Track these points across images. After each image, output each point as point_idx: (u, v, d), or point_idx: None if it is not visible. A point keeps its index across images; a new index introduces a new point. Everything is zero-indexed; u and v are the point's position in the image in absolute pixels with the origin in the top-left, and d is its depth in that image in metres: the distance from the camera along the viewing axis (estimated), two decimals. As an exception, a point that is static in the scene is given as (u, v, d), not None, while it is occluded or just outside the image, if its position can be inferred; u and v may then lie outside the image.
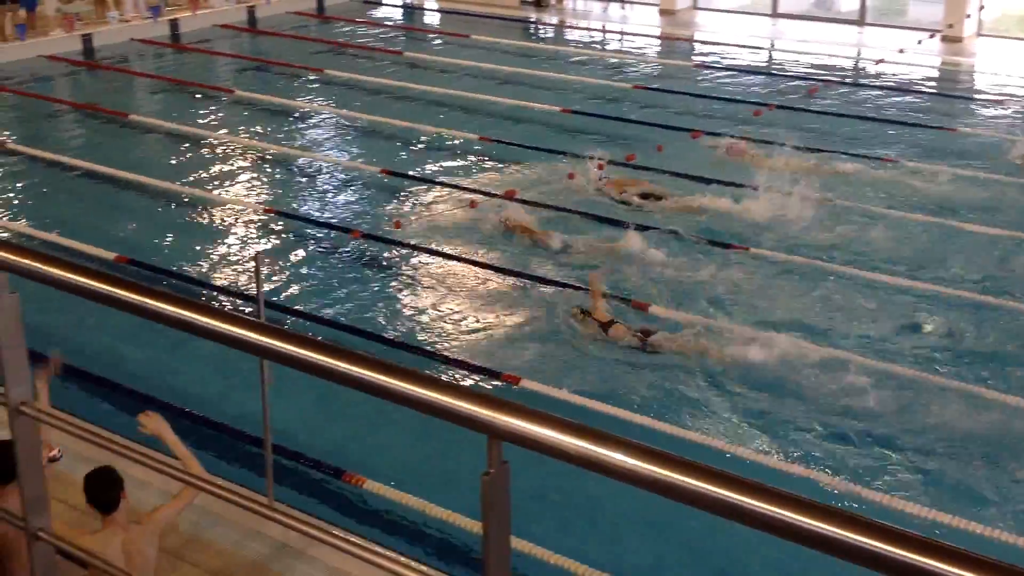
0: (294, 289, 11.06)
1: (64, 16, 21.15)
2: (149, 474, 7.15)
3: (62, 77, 20.04)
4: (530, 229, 11.84)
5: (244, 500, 2.51)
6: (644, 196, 13.16)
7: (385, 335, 10.01)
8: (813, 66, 20.19)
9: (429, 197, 13.43)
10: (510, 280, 11.11)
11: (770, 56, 21.86)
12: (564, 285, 10.80)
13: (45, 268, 2.38)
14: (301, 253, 11.95)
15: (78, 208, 13.42)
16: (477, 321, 10.38)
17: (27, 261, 2.41)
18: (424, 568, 2.23)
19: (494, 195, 13.29)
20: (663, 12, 24.68)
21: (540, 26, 24.70)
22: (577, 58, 21.16)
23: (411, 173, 14.23)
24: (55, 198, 13.83)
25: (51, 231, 12.22)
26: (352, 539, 2.35)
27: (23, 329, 2.51)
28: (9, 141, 15.59)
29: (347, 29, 23.93)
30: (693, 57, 21.44)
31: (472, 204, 12.96)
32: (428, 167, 14.58)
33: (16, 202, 13.61)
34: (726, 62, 20.62)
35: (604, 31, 24.43)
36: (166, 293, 2.40)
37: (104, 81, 19.85)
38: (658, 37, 23.12)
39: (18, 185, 14.20)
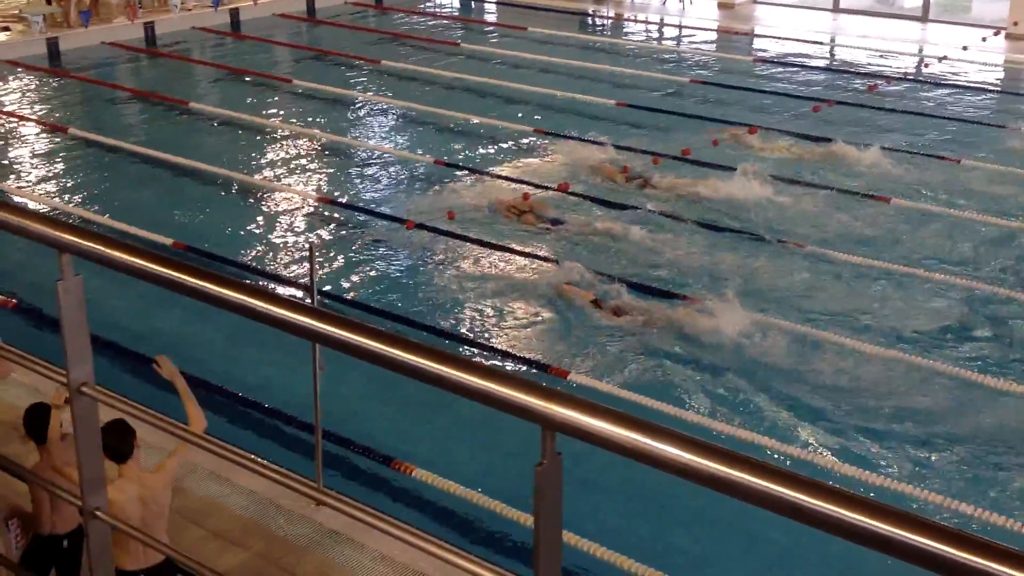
0: (347, 278, 11.14)
1: (127, 4, 21.46)
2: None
3: (124, 64, 20.34)
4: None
5: (295, 483, 2.52)
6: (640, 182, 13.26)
7: (436, 325, 10.05)
8: (874, 63, 19.91)
9: (483, 188, 13.44)
10: (561, 274, 11.07)
11: (830, 52, 21.57)
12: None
13: (109, 251, 2.42)
14: (354, 242, 12.02)
15: (137, 194, 13.62)
16: (527, 314, 10.38)
17: (92, 244, 2.45)
18: (471, 558, 2.23)
19: (547, 188, 13.28)
20: (721, 6, 24.47)
21: (598, 19, 24.60)
22: (634, 51, 21.05)
23: (465, 164, 14.26)
24: (115, 183, 14.05)
25: (110, 216, 12.43)
26: (401, 525, 2.35)
27: (86, 311, 2.56)
28: (72, 127, 15.87)
29: (405, 20, 24.03)
30: (751, 51, 21.24)
31: (525, 196, 12.95)
32: (482, 159, 14.60)
33: (77, 187, 13.85)
34: (785, 57, 20.40)
35: (662, 24, 24.29)
36: (225, 277, 2.42)
37: (165, 69, 20.14)
38: (716, 31, 22.93)
39: (79, 170, 14.45)
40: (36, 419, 5.65)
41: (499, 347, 9.75)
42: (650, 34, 23.48)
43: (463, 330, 10.09)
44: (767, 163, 13.94)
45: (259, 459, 2.58)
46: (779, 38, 21.67)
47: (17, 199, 13.16)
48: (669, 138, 15.13)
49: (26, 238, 2.67)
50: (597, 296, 10.33)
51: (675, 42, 22.63)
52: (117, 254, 2.43)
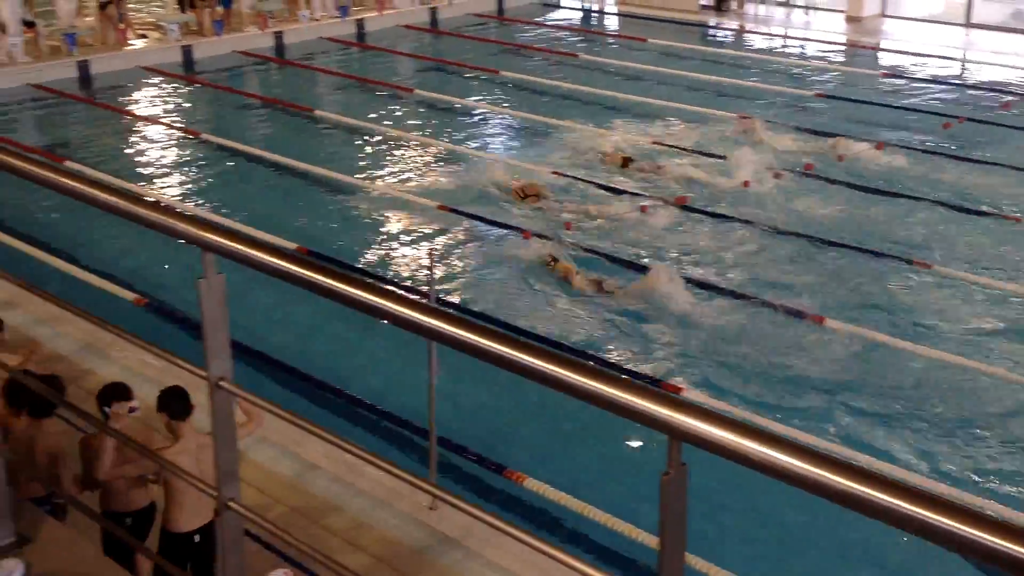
0: (464, 286, 11.25)
1: (258, 14, 22.13)
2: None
3: (254, 72, 20.97)
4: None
5: (410, 476, 2.56)
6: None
7: (550, 336, 10.06)
8: (1008, 79, 19.24)
9: (600, 201, 13.42)
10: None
11: (962, 67, 20.93)
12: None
13: (250, 251, 2.51)
14: (472, 251, 12.13)
15: (263, 198, 14.01)
16: (643, 326, 10.33)
17: (234, 244, 2.55)
18: (593, 569, 2.23)
19: (666, 201, 13.21)
20: (849, 19, 23.98)
21: (719, 31, 24.37)
22: (757, 64, 20.78)
23: (582, 176, 14.25)
24: (242, 187, 14.48)
25: (236, 218, 12.80)
26: (518, 529, 2.37)
27: (227, 309, 2.66)
28: (203, 131, 16.43)
29: (525, 31, 24.20)
30: (879, 66, 20.75)
31: (643, 209, 12.91)
32: (599, 171, 14.57)
33: (205, 189, 14.32)
34: (914, 72, 19.87)
35: (786, 37, 23.92)
36: (355, 278, 2.48)
37: (292, 77, 20.69)
38: (843, 44, 22.47)
39: (208, 174, 14.95)
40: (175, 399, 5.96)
41: (613, 360, 9.72)
42: (773, 47, 23.13)
43: (583, 342, 10.08)
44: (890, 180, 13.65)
45: (380, 458, 2.63)
46: (908, 53, 21.12)
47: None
48: (791, 153, 14.90)
49: (171, 236, 2.79)
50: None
51: (800, 55, 22.27)
52: (258, 254, 2.52)
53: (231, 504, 2.77)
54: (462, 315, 2.34)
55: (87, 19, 21.12)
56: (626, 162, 14.54)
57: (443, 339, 2.29)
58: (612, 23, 26.08)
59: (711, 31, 24.33)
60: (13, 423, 5.93)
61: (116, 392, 5.95)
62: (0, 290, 9.60)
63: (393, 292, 2.43)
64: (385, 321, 2.42)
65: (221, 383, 2.71)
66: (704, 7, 25.32)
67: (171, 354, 3.09)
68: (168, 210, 2.83)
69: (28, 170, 3.17)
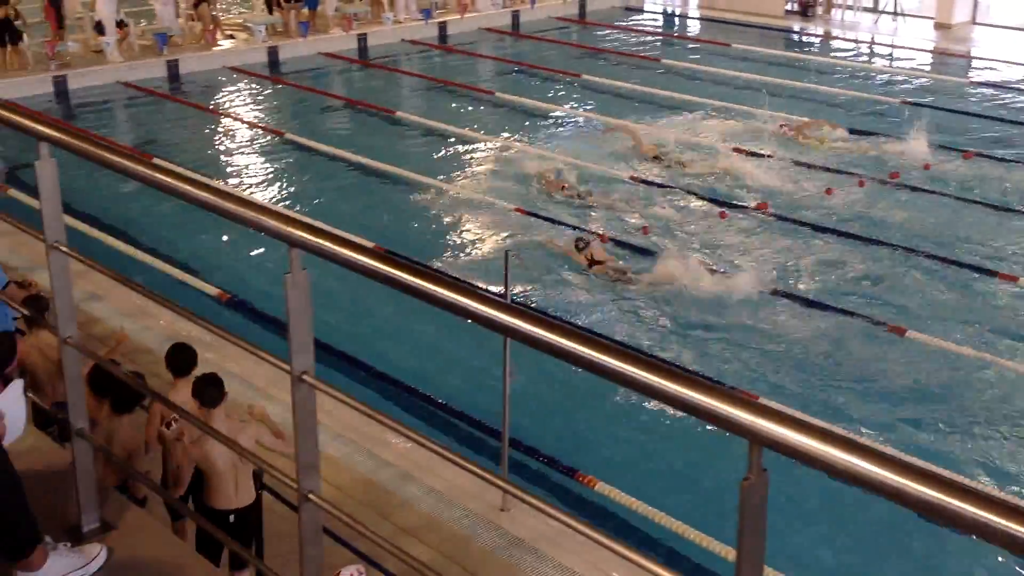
0: (538, 289, 11.24)
1: (343, 16, 22.42)
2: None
3: (337, 73, 21.24)
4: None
5: (482, 471, 2.57)
6: None
7: (617, 338, 10.01)
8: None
9: (679, 205, 13.33)
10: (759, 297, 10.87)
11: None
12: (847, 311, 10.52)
13: (336, 248, 2.55)
14: (547, 254, 12.12)
15: (344, 197, 14.18)
16: (719, 335, 10.24)
17: (320, 240, 2.59)
18: (671, 573, 2.22)
19: (744, 207, 13.07)
20: (938, 26, 23.48)
21: (805, 37, 24.05)
22: (843, 70, 20.46)
23: (660, 181, 14.16)
24: (322, 186, 14.67)
25: (315, 216, 12.97)
26: (591, 528, 2.37)
27: (312, 305, 2.71)
28: (287, 131, 16.69)
29: (607, 35, 24.15)
30: (969, 74, 20.28)
31: (722, 216, 12.80)
32: (678, 175, 14.47)
33: (286, 187, 14.55)
34: (1005, 81, 19.38)
35: (872, 43, 23.49)
36: (435, 275, 2.51)
37: (375, 79, 20.90)
38: (931, 51, 22.02)
39: (290, 172, 15.18)
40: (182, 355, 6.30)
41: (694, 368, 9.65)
42: (860, 53, 22.73)
43: (651, 347, 10.02)
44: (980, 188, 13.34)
45: (453, 452, 2.65)
46: (998, 60, 20.60)
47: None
48: (878, 160, 14.67)
49: (259, 231, 2.84)
50: None
51: (887, 61, 21.86)
52: (343, 251, 2.56)
53: (311, 496, 2.82)
54: (538, 313, 2.35)
55: (190, 21, 21.58)
56: (657, 158, 14.74)
57: (520, 336, 2.29)
58: (695, 27, 25.89)
59: (796, 36, 24.01)
60: (96, 412, 6.10)
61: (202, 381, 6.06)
62: (87, 281, 9.84)
63: (471, 289, 2.44)
64: (463, 318, 2.44)
65: (304, 377, 2.76)
66: (789, 12, 25.01)
67: (256, 347, 3.15)
68: (257, 206, 2.88)
69: (122, 164, 3.26)
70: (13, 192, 13.12)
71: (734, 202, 13.28)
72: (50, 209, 3.56)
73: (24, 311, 4.84)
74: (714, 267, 11.37)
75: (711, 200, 13.34)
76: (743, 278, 10.98)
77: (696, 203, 13.33)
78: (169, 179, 3.08)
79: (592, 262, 11.37)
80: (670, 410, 7.80)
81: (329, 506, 2.81)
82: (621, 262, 11.58)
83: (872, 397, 9.09)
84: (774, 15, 24.75)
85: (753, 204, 13.11)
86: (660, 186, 13.89)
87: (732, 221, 12.71)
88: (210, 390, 5.92)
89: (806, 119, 16.07)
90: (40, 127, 3.52)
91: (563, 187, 13.76)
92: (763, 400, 8.76)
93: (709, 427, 2.14)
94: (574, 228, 12.54)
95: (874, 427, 8.58)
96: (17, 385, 3.61)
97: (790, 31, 24.15)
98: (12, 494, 3.42)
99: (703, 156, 14.93)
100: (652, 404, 8.46)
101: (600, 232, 12.25)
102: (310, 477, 2.82)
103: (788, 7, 25.04)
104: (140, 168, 3.20)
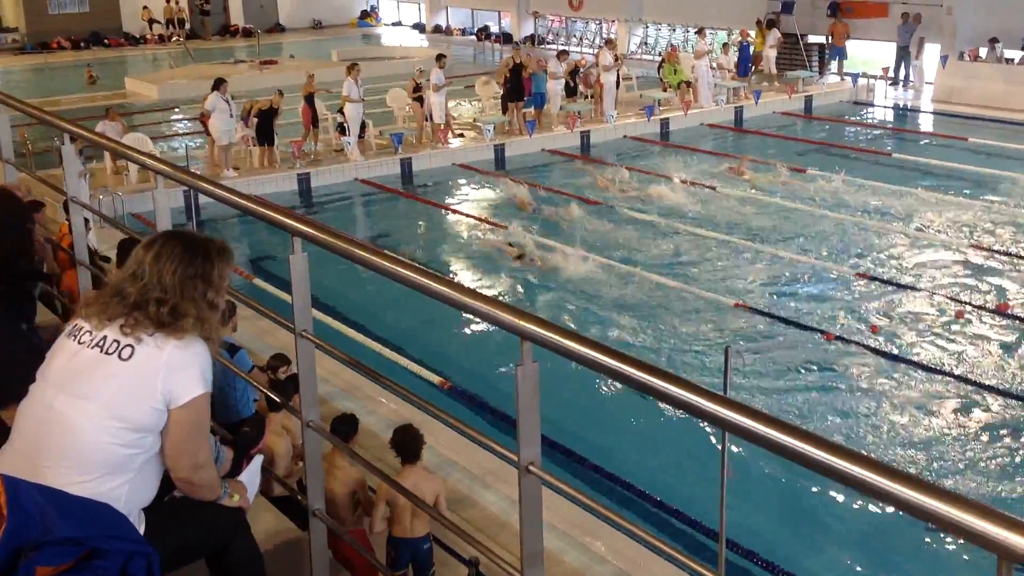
0: (757, 385, 10.99)
1: (568, 115, 23.03)
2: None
3: (560, 168, 21.68)
4: None
5: (700, 567, 2.53)
6: None
7: (840, 437, 9.63)
8: None
9: (910, 305, 12.80)
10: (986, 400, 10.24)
11: None
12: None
13: (566, 342, 2.62)
14: (768, 350, 11.86)
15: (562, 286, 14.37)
16: (943, 432, 9.69)
17: (551, 335, 2.67)
18: None
19: (980, 307, 12.41)
20: None
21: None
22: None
23: (890, 279, 13.65)
24: (543, 277, 14.89)
25: (544, 313, 13.17)
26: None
27: (539, 396, 2.78)
28: (510, 226, 17.10)
29: (834, 129, 23.71)
30: None
31: (958, 315, 12.20)
32: (910, 272, 13.92)
33: (516, 282, 14.87)
34: None
35: None
36: (659, 370, 2.51)
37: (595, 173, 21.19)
38: None
39: (514, 266, 15.49)
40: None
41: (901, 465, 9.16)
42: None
43: (878, 451, 9.58)
44: None
45: (669, 546, 2.64)
46: None
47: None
48: None
49: (492, 324, 2.95)
50: None
51: None
52: (574, 345, 2.62)
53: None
54: (756, 408, 2.32)
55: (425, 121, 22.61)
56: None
57: (736, 430, 2.27)
58: (928, 122, 25.02)
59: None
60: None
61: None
62: (320, 367, 10.29)
63: (689, 381, 2.44)
64: (681, 410, 2.45)
65: (531, 468, 2.82)
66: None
67: (480, 434, 3.25)
68: (491, 300, 3.00)
69: (363, 257, 3.45)
70: (257, 281, 14.02)
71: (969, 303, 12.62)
72: (300, 300, 3.79)
73: (272, 395, 5.14)
74: None
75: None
76: None
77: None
78: (410, 273, 3.23)
79: None
80: (906, 517, 7.41)
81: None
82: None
83: None
84: (1016, 108, 23.53)
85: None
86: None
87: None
88: (415, 445, 6.45)
89: None
90: (295, 223, 3.77)
91: None
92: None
93: (958, 541, 2.04)
94: (804, 327, 12.22)
95: None
96: (258, 461, 3.85)
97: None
98: (255, 567, 3.62)
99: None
100: (882, 507, 8.07)
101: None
102: (534, 567, 2.86)
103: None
104: (383, 262, 3.37)
